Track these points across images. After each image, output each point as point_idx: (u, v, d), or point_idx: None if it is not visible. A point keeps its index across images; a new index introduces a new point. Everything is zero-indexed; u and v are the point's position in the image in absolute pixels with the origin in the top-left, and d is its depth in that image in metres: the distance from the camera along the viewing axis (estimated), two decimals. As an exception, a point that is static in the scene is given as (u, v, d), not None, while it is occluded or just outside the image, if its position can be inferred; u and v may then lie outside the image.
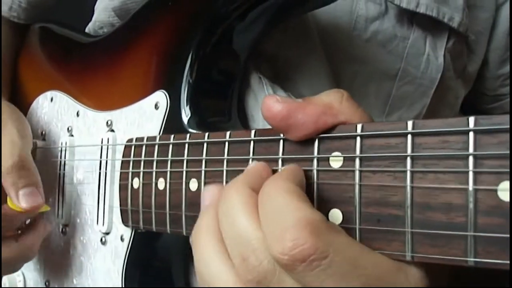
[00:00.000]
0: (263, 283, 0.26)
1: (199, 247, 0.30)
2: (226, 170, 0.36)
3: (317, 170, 0.30)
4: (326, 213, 0.30)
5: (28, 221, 0.53)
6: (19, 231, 0.51)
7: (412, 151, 0.26)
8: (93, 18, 0.57)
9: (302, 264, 0.24)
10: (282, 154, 0.32)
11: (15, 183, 0.46)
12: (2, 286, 0.60)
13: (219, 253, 0.28)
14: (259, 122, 0.46)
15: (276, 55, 0.49)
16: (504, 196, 0.23)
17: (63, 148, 0.56)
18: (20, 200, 0.46)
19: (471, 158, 0.24)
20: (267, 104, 0.29)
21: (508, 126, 0.23)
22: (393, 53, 0.52)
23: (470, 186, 0.24)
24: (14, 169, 0.47)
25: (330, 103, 0.29)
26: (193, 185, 0.38)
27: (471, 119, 0.25)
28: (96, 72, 0.54)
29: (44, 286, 0.57)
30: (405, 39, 0.52)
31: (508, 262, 0.23)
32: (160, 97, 0.45)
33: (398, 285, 0.26)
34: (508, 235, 0.23)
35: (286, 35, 0.49)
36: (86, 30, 0.58)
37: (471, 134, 0.24)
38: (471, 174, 0.24)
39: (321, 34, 0.50)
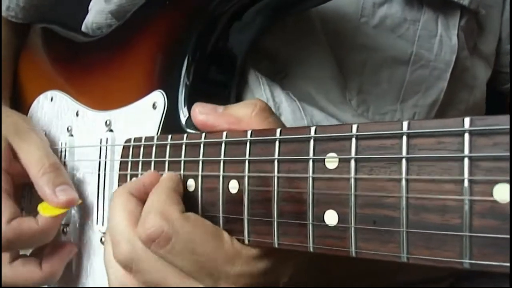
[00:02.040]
0: (131, 264, 0.35)
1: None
2: (223, 171, 0.36)
3: (313, 171, 0.30)
4: (322, 214, 0.30)
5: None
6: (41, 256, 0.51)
7: (407, 152, 0.26)
8: (89, 19, 0.56)
9: (153, 243, 0.33)
10: (278, 155, 0.32)
11: (53, 181, 0.48)
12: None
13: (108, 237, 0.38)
14: None
15: (277, 51, 0.48)
16: (499, 197, 0.23)
17: (63, 149, 0.56)
18: (58, 195, 0.47)
19: (466, 160, 0.24)
20: (192, 113, 0.39)
21: (504, 127, 0.23)
22: (404, 37, 0.50)
23: (466, 188, 0.24)
24: (52, 169, 0.49)
25: (241, 117, 0.36)
26: (191, 184, 0.38)
27: (467, 120, 0.24)
28: (95, 71, 0.54)
29: (46, 286, 0.57)
30: (416, 22, 0.50)
31: (505, 264, 0.23)
32: (158, 97, 0.45)
33: (231, 272, 0.33)
34: (504, 236, 0.23)
35: (286, 30, 0.48)
36: (84, 30, 0.58)
37: (466, 135, 0.24)
38: (466, 176, 0.24)
39: (324, 26, 0.49)
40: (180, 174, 0.39)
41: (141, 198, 0.37)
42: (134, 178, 0.43)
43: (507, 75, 0.62)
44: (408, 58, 0.51)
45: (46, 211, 0.47)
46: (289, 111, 0.45)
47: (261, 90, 0.45)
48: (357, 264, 0.42)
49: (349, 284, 0.45)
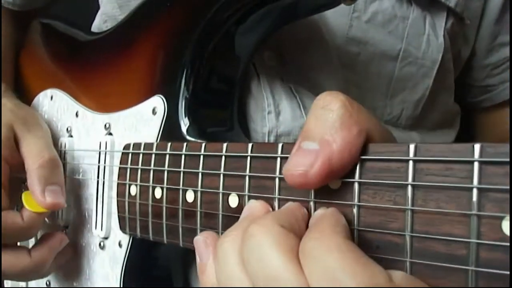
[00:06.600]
0: None
1: (221, 262, 0.27)
2: (223, 183, 0.35)
3: (315, 191, 0.29)
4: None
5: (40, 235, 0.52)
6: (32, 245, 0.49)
7: (414, 176, 0.25)
8: (99, 12, 0.55)
9: None
10: (279, 173, 0.31)
11: (47, 178, 0.46)
12: (5, 286, 0.61)
13: (241, 280, 0.25)
14: (257, 122, 0.45)
15: (280, 41, 0.48)
16: (508, 230, 0.22)
17: (63, 150, 0.55)
18: (46, 195, 0.45)
19: (475, 189, 0.23)
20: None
21: (516, 157, 0.22)
22: (394, 33, 0.52)
23: (473, 218, 0.23)
24: (49, 165, 0.47)
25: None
26: (190, 196, 0.37)
27: (477, 147, 0.23)
28: (96, 72, 0.53)
29: (45, 286, 0.57)
30: (405, 19, 0.52)
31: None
32: (158, 102, 0.44)
33: None
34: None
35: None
36: (92, 26, 0.57)
37: (476, 162, 0.23)
38: (474, 206, 0.23)
39: (322, 17, 0.49)
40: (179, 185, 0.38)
41: (295, 234, 0.26)
42: (277, 209, 0.31)
43: (480, 88, 0.65)
44: (397, 54, 0.52)
45: (28, 203, 0.46)
46: (289, 109, 0.45)
47: (262, 96, 0.45)
48: None
49: None
